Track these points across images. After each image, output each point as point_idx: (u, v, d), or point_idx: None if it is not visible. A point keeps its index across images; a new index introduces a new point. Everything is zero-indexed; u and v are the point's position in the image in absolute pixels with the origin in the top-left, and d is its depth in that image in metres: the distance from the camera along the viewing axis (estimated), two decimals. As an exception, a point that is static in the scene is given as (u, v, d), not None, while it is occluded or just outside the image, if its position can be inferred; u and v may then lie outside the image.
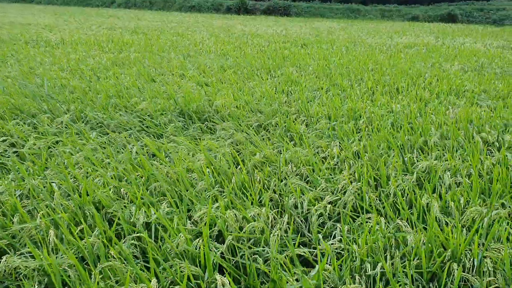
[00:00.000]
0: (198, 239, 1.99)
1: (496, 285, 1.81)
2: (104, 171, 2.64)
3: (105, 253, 1.91)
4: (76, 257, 1.89)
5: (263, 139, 3.51)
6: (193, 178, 2.68)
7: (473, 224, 2.24)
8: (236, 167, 2.89)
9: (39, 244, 2.01)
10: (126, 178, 2.65)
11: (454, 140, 3.39)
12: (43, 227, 2.05)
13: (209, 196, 2.44)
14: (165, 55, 7.90)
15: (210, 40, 10.84)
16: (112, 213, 2.29)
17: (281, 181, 2.73)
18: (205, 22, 18.88)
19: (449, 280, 1.82)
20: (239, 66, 6.82)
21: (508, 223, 2.23)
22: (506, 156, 3.05)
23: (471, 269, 1.90)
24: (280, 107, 4.30)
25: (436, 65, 7.40)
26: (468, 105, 4.60)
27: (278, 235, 2.03)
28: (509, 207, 2.40)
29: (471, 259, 1.91)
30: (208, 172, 2.69)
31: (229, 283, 1.71)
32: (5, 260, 1.79)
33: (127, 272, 1.77)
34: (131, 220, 2.21)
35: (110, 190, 2.44)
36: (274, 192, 2.58)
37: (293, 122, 3.89)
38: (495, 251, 1.97)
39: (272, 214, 2.27)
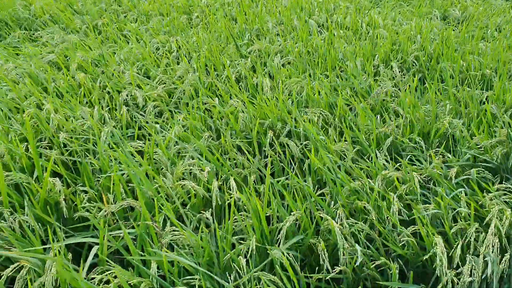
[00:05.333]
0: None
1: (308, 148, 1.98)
2: None
3: None
4: None
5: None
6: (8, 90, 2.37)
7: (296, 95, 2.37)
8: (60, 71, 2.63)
9: None
10: None
11: (288, 25, 3.50)
12: None
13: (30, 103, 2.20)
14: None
15: None
16: None
17: (111, 79, 2.56)
18: None
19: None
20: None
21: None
22: (334, 34, 3.27)
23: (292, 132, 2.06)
24: (108, 7, 3.96)
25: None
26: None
27: (108, 131, 1.94)
28: (327, 76, 2.60)
29: (286, 125, 2.06)
30: (25, 80, 2.40)
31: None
32: None
33: None
34: None
35: None
36: (104, 89, 2.43)
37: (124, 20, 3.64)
38: (312, 113, 2.13)
39: (105, 112, 2.15)
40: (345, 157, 1.84)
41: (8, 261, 1.40)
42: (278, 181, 1.72)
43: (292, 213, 1.43)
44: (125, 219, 1.59)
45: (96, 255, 1.38)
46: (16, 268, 1.27)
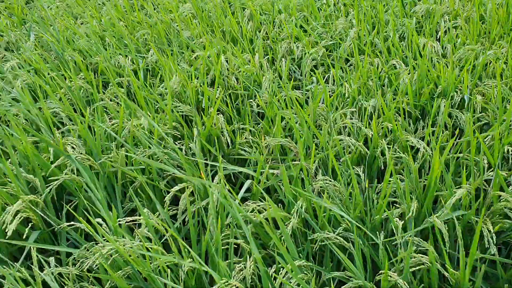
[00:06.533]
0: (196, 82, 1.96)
1: (486, 121, 1.81)
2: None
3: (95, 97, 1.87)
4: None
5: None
6: (180, 29, 2.56)
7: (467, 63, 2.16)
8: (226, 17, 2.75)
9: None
10: (110, 30, 2.52)
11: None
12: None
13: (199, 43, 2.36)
14: None
15: None
16: (97, 63, 2.19)
17: (274, 27, 2.60)
18: None
19: (437, 114, 1.82)
20: None
21: (505, 62, 2.17)
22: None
23: (460, 105, 1.90)
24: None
25: None
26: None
27: (270, 78, 1.99)
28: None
29: (461, 95, 1.89)
30: (196, 21, 2.57)
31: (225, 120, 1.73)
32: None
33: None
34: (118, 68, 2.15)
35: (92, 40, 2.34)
36: (266, 39, 2.48)
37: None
38: (488, 87, 1.93)
39: (265, 60, 2.20)
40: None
41: (173, 182, 1.56)
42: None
43: (459, 187, 1.33)
44: (281, 161, 1.65)
45: (247, 191, 1.46)
46: (180, 189, 1.40)
